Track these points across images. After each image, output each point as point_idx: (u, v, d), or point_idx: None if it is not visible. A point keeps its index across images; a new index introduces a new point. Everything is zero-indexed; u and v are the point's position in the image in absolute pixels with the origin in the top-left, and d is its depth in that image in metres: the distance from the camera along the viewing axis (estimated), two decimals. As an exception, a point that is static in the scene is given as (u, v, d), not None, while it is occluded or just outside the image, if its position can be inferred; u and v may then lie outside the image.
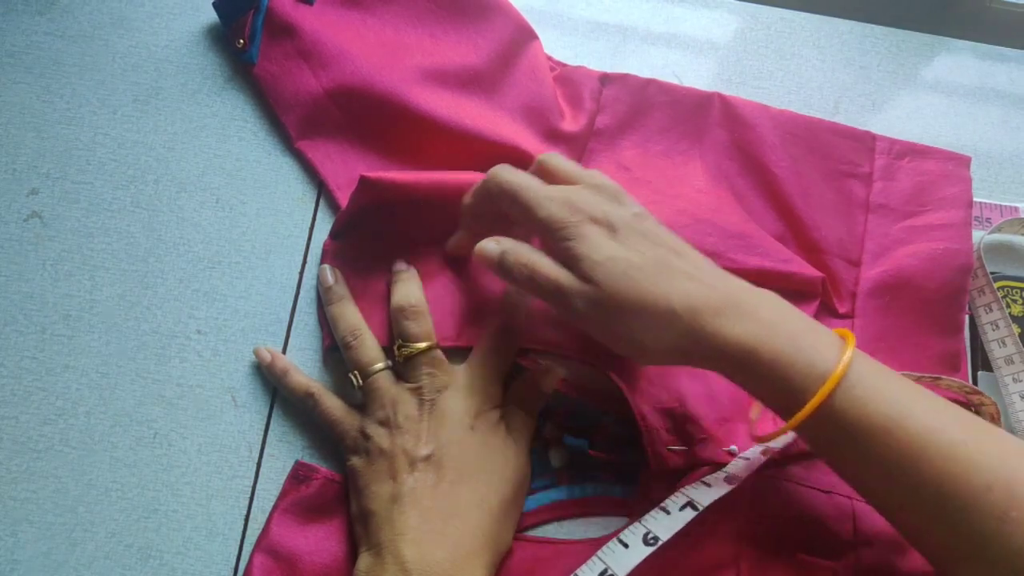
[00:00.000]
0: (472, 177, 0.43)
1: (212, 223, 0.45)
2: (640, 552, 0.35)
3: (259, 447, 0.42)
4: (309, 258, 0.45)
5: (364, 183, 0.41)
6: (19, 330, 0.43)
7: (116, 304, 0.43)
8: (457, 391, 0.40)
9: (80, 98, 0.46)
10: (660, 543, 0.35)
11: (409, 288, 0.42)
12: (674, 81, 0.50)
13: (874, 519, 0.41)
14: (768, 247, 0.45)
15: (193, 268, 0.44)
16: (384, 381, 0.40)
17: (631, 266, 0.35)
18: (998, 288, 0.47)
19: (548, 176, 0.39)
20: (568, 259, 0.36)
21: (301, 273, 0.45)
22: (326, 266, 0.43)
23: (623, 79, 0.48)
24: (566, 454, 0.42)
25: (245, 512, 0.41)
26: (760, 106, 0.48)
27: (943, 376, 0.42)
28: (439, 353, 0.41)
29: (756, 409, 0.42)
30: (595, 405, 0.43)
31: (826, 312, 0.46)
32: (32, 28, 0.47)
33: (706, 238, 0.44)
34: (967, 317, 0.47)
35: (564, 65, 0.49)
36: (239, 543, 0.40)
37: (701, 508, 0.37)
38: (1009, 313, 0.46)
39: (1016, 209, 0.49)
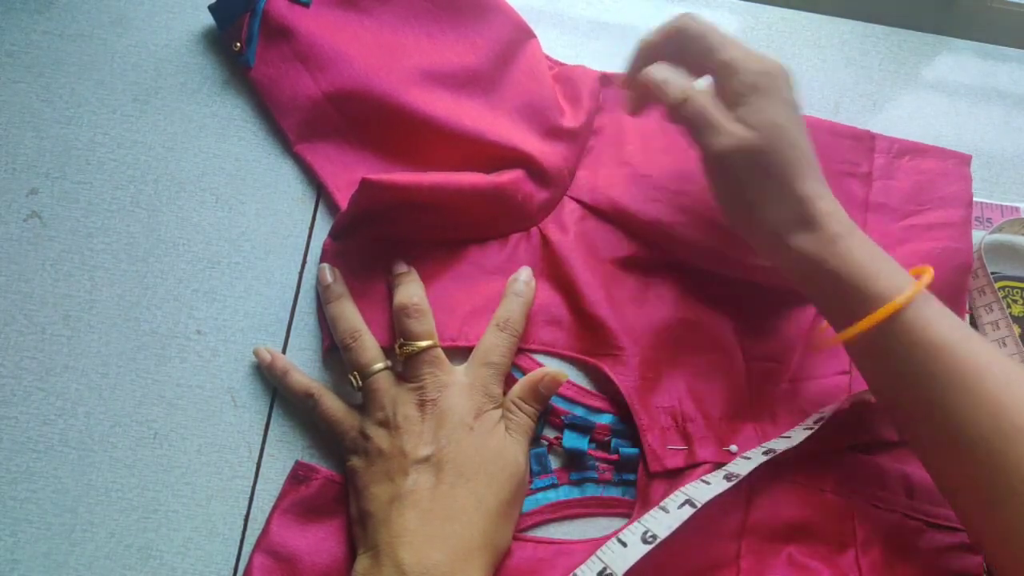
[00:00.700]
0: (472, 178, 0.42)
1: (212, 223, 0.45)
2: (638, 550, 0.35)
3: (259, 447, 0.42)
4: (309, 258, 0.45)
5: (365, 185, 0.40)
6: (19, 330, 0.43)
7: (116, 304, 0.43)
8: (458, 391, 0.40)
9: (79, 98, 0.46)
10: (658, 541, 0.36)
11: (412, 288, 0.42)
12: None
13: (874, 519, 0.42)
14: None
15: (193, 268, 0.44)
16: (384, 382, 0.40)
17: (795, 143, 0.37)
18: (999, 288, 0.47)
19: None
20: (737, 101, 0.37)
21: (301, 273, 0.45)
22: (325, 265, 0.43)
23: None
24: (566, 454, 0.42)
25: (245, 512, 0.41)
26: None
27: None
28: (440, 352, 0.41)
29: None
30: (595, 405, 0.43)
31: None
32: (31, 27, 0.47)
33: (709, 234, 0.44)
34: (967, 316, 0.47)
35: (563, 64, 0.49)
36: (239, 543, 0.40)
37: (699, 506, 0.37)
38: (1010, 313, 0.46)
39: (1017, 209, 0.49)
